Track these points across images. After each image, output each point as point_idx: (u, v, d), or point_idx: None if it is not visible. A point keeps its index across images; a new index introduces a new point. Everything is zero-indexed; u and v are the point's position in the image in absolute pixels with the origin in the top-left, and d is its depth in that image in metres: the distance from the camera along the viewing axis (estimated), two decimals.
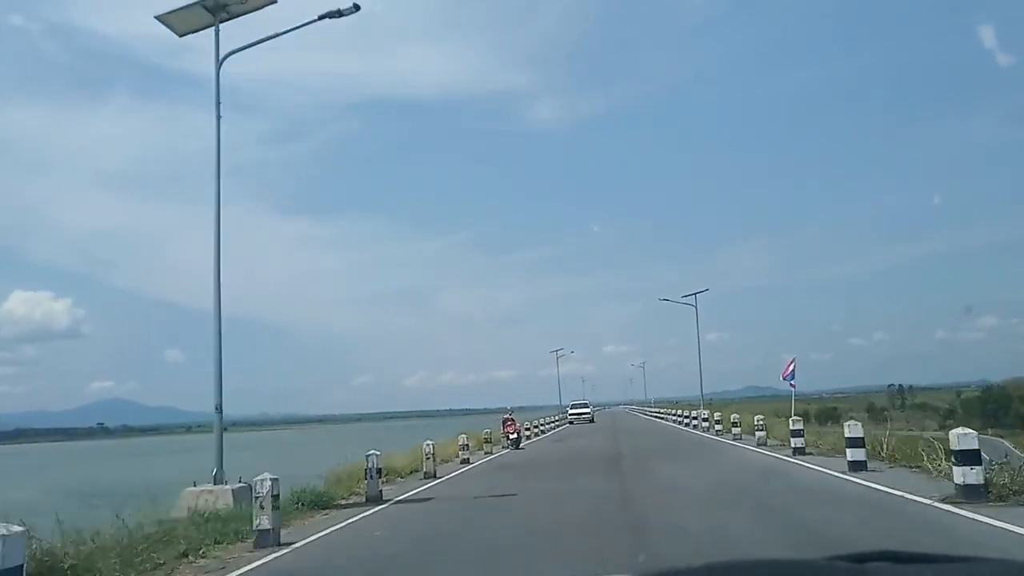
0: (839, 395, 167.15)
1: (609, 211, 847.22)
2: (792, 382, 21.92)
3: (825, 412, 53.49)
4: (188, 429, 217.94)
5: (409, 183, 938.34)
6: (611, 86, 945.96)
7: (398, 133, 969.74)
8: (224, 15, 14.77)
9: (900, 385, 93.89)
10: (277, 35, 15.43)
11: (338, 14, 14.89)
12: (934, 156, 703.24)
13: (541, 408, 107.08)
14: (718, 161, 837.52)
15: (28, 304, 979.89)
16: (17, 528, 5.21)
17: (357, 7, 14.78)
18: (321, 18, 15.05)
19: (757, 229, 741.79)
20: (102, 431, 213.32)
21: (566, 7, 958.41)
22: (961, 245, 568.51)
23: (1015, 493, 9.74)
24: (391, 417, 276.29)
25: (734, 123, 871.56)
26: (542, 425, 44.80)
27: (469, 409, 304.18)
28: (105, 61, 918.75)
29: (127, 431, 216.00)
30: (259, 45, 15.46)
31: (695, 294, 50.61)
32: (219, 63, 14.99)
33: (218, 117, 15.03)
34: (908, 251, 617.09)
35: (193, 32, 15.07)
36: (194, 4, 14.36)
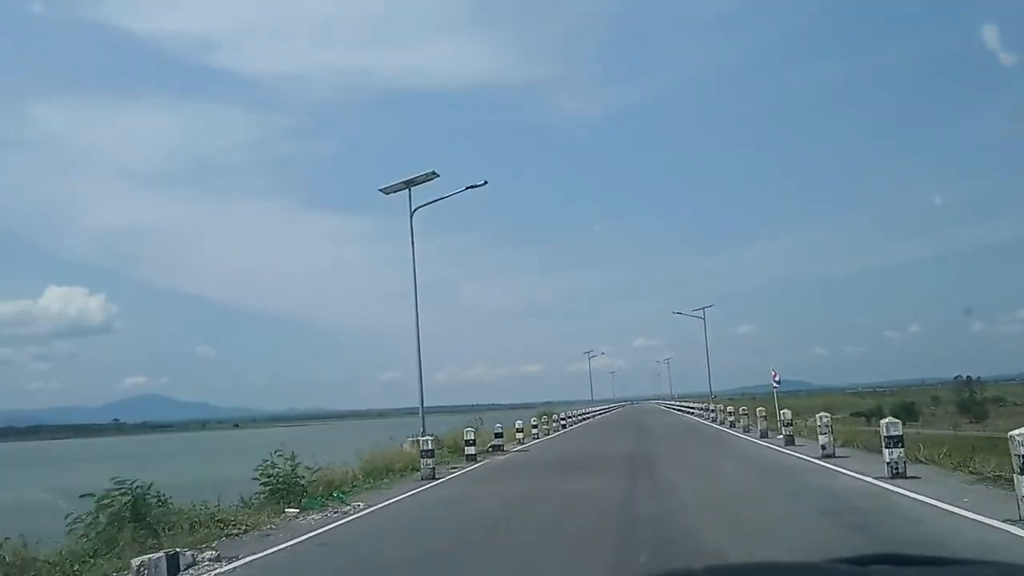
0: (879, 389, 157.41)
1: (637, 204, 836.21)
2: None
3: (904, 407, 45.58)
4: (203, 426, 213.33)
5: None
6: (638, 79, 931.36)
7: (421, 127, 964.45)
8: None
9: (968, 376, 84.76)
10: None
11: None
12: (967, 147, 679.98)
13: (571, 403, 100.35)
14: (745, 154, 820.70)
15: (63, 299, 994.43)
16: None
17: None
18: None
19: (785, 222, 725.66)
20: (116, 428, 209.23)
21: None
22: (994, 237, 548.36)
23: None
24: (416, 413, 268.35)
25: (760, 116, 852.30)
26: None
27: (496, 404, 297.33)
28: (135, 58, 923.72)
29: (145, 428, 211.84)
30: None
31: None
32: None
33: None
34: (939, 243, 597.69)
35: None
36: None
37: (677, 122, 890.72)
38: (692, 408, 54.39)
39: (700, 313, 56.50)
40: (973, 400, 60.85)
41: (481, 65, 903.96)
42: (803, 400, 75.95)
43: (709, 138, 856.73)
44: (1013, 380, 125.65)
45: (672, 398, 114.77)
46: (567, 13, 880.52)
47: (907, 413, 40.29)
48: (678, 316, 61.75)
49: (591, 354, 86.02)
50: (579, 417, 52.68)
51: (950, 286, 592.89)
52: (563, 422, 41.04)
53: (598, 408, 76.80)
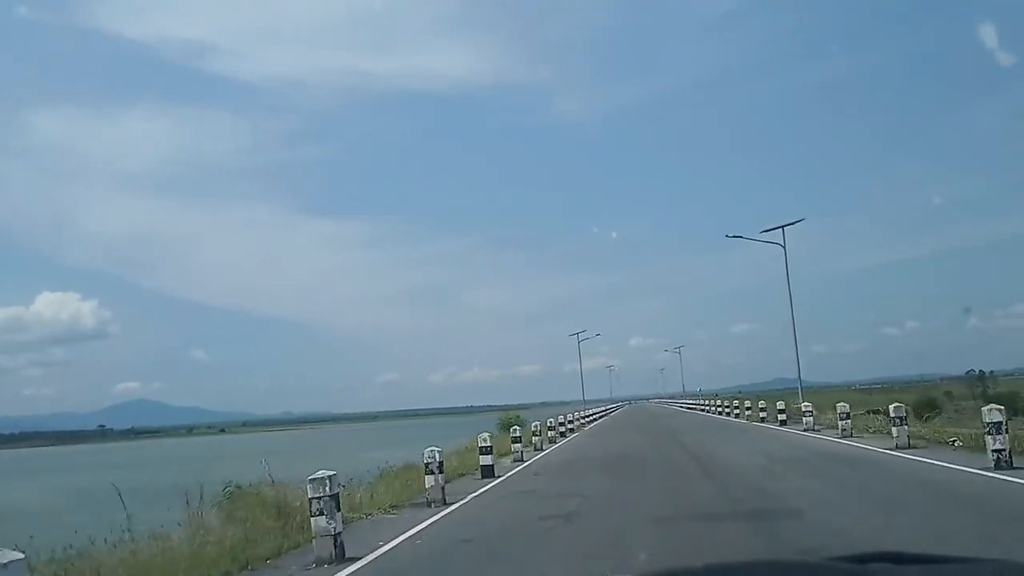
0: (885, 385, 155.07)
1: (634, 206, 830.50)
2: None
3: (924, 403, 42.49)
4: (189, 431, 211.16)
5: (430, 181, 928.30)
6: (639, 78, 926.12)
7: (419, 131, 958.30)
8: None
9: (981, 371, 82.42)
10: None
11: None
12: (977, 142, 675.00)
13: (567, 403, 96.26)
14: (746, 155, 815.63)
15: (56, 305, 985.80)
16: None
17: None
18: None
19: (783, 219, 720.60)
20: (100, 434, 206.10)
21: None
22: (997, 234, 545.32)
23: None
24: (409, 415, 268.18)
25: (765, 115, 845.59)
26: None
27: (490, 406, 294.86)
28: (131, 64, 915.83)
29: (130, 434, 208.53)
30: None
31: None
32: None
33: None
34: (941, 240, 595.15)
35: None
36: None
37: (673, 124, 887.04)
38: (742, 411, 42.11)
39: (776, 235, 36.44)
40: (986, 395, 59.06)
41: (477, 66, 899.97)
42: (808, 396, 72.15)
43: (705, 139, 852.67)
44: (1011, 375, 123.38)
45: (687, 396, 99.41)
46: (564, 15, 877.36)
47: (930, 409, 37.61)
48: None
49: (581, 336, 70.30)
50: (564, 428, 35.85)
51: (949, 282, 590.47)
52: (516, 456, 22.42)
53: (594, 411, 64.46)
